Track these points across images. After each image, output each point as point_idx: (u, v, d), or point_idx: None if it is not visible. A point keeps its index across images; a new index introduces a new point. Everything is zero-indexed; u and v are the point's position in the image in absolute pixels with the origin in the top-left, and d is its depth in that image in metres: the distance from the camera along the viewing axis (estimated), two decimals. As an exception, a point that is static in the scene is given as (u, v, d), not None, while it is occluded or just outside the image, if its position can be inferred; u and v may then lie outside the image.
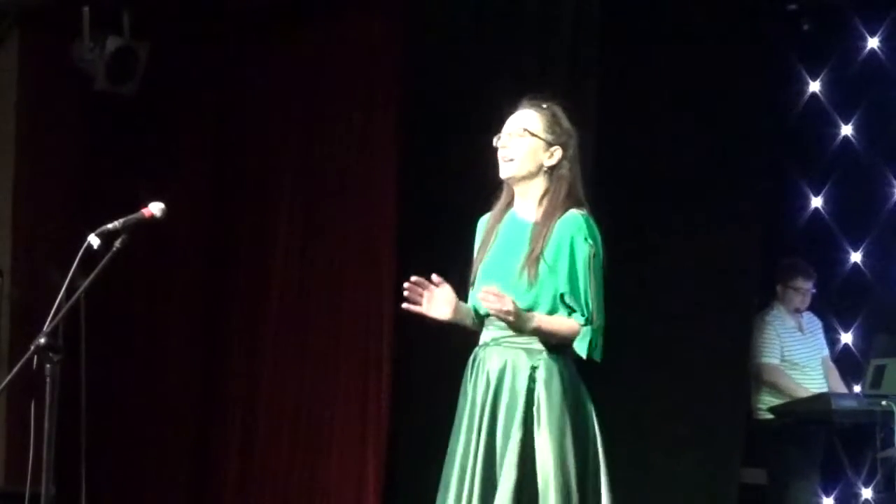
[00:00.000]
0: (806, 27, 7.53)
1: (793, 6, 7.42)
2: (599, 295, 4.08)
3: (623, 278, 6.47)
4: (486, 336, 4.17)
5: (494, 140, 4.22)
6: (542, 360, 4.06)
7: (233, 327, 7.74)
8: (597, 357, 4.09)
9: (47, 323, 3.88)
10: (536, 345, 4.06)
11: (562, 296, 4.06)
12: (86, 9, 7.22)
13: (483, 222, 4.30)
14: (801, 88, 7.63)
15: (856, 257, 7.47)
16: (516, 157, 4.17)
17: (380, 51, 7.19)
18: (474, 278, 4.22)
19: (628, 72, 6.50)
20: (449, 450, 4.16)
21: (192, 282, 7.88)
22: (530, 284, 4.06)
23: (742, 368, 6.77)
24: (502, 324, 4.09)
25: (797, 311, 7.17)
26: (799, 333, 7.16)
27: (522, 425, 4.01)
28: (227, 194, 7.87)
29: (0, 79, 7.47)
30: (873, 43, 7.45)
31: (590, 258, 4.08)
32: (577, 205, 4.15)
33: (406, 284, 4.11)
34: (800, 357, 7.11)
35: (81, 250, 3.92)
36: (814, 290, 7.20)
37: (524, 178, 4.18)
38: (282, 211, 7.56)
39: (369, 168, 7.21)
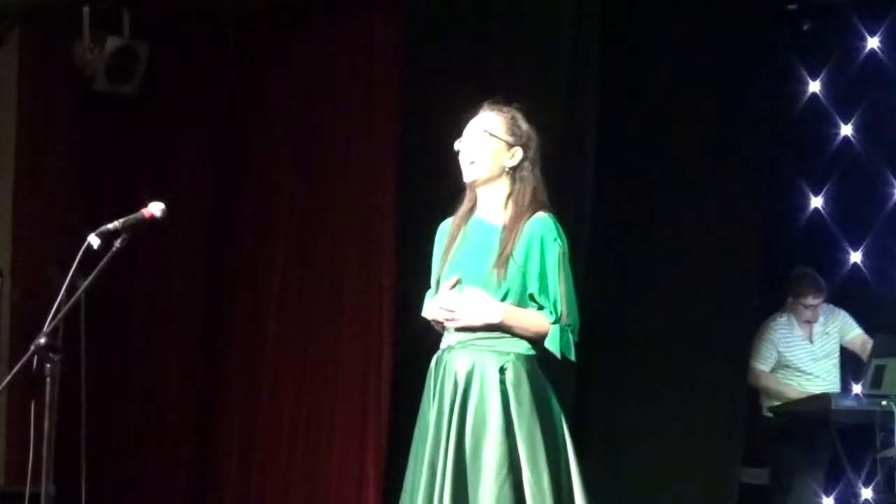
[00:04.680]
0: (806, 27, 7.51)
1: (793, 6, 7.40)
2: (570, 293, 4.11)
3: (622, 278, 6.50)
4: (450, 339, 4.19)
5: (456, 144, 4.24)
6: (510, 363, 4.07)
7: (233, 327, 7.74)
8: (570, 355, 4.10)
9: (47, 323, 3.88)
10: (504, 346, 4.08)
11: (531, 295, 4.08)
12: (86, 9, 7.22)
13: (445, 227, 4.32)
14: (801, 88, 7.61)
15: (856, 257, 7.45)
16: (478, 159, 4.19)
17: (380, 51, 7.19)
18: (437, 281, 4.24)
19: (629, 71, 6.49)
20: (413, 451, 4.17)
21: (192, 282, 7.88)
22: (499, 284, 4.08)
23: (742, 368, 6.76)
24: None
25: (808, 322, 7.16)
26: (807, 343, 7.14)
27: (498, 429, 4.00)
28: (227, 194, 7.87)
29: (0, 78, 7.47)
30: (873, 43, 7.43)
31: (560, 258, 4.10)
32: (544, 207, 4.18)
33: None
34: (805, 365, 7.11)
35: (81, 250, 3.92)
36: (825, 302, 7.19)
37: (487, 180, 4.20)
38: (282, 211, 7.57)
39: (369, 168, 7.21)
